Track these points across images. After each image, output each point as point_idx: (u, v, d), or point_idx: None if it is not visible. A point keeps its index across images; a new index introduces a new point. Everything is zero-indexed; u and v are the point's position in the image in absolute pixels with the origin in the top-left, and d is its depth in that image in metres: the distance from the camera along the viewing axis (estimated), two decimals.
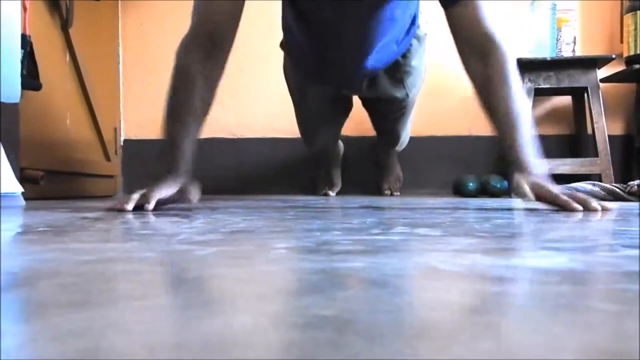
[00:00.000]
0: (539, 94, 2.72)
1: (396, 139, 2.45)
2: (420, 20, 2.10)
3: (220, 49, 1.49)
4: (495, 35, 1.45)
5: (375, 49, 1.90)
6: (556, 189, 1.32)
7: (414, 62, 2.13)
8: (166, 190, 1.35)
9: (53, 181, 2.19)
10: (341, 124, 2.55)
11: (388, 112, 2.27)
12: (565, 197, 1.28)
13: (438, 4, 1.47)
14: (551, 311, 0.33)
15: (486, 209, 1.44)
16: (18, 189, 1.69)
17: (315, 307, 0.33)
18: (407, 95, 2.17)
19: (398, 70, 2.11)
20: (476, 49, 1.47)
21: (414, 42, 2.10)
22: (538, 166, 1.40)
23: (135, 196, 1.31)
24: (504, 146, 1.46)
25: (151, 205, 1.28)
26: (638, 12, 2.56)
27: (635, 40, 2.57)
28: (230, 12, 1.47)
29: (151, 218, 1.11)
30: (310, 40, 1.93)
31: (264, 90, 2.95)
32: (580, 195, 1.31)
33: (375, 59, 1.96)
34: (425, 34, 2.17)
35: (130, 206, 1.27)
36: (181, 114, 1.48)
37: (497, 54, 1.45)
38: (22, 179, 1.90)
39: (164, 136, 1.49)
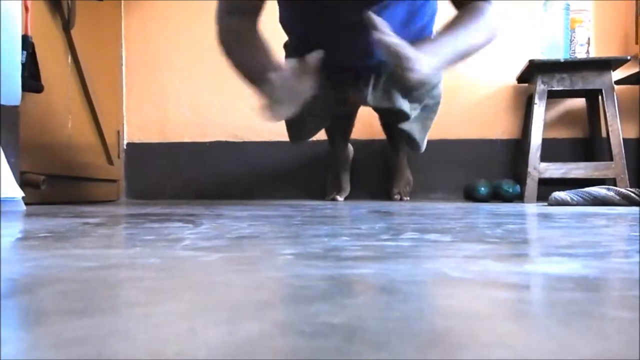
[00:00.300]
0: (552, 96, 2.72)
1: (411, 142, 2.43)
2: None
3: (252, 14, 1.72)
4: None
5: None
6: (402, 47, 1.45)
7: None
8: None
9: (54, 185, 2.20)
10: (342, 124, 2.55)
11: (398, 115, 2.25)
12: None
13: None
14: (564, 318, 0.32)
15: (498, 214, 1.43)
16: (18, 193, 1.69)
17: (323, 315, 0.33)
18: (411, 100, 2.16)
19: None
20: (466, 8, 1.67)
21: None
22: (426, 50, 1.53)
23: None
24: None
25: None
26: None
27: None
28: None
29: (154, 224, 1.12)
30: (312, 35, 1.94)
31: None
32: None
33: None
34: None
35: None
36: (250, 48, 1.68)
37: (478, 7, 1.64)
38: (23, 183, 1.90)
39: (249, 71, 1.66)
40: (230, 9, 1.67)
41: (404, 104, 2.14)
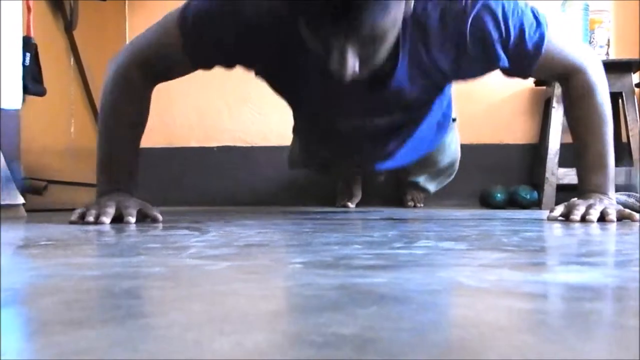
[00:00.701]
0: None
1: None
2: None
3: (158, 81, 1.57)
4: (577, 60, 1.45)
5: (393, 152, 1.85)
6: (583, 208, 1.34)
7: (440, 157, 2.16)
8: (131, 207, 1.36)
9: (56, 192, 2.20)
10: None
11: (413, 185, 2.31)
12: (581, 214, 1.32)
13: None
14: (583, 329, 0.32)
15: (515, 222, 1.43)
16: (19, 200, 1.69)
17: (334, 325, 0.33)
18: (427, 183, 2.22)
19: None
20: (563, 78, 1.50)
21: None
22: (592, 189, 1.42)
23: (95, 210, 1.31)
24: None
25: (108, 220, 1.27)
26: None
27: None
28: (177, 71, 1.56)
29: (160, 231, 1.12)
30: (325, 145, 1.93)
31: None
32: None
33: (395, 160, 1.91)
34: (454, 120, 2.14)
35: (103, 219, 1.26)
36: (122, 127, 1.53)
37: (577, 77, 1.46)
38: (24, 189, 1.91)
39: (102, 148, 1.49)
40: (143, 61, 1.49)
41: (420, 178, 2.17)
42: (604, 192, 1.40)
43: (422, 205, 2.73)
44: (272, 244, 0.84)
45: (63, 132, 2.38)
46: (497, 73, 1.47)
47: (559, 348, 0.28)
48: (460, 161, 2.89)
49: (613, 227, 1.20)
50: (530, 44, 1.35)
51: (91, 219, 1.27)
